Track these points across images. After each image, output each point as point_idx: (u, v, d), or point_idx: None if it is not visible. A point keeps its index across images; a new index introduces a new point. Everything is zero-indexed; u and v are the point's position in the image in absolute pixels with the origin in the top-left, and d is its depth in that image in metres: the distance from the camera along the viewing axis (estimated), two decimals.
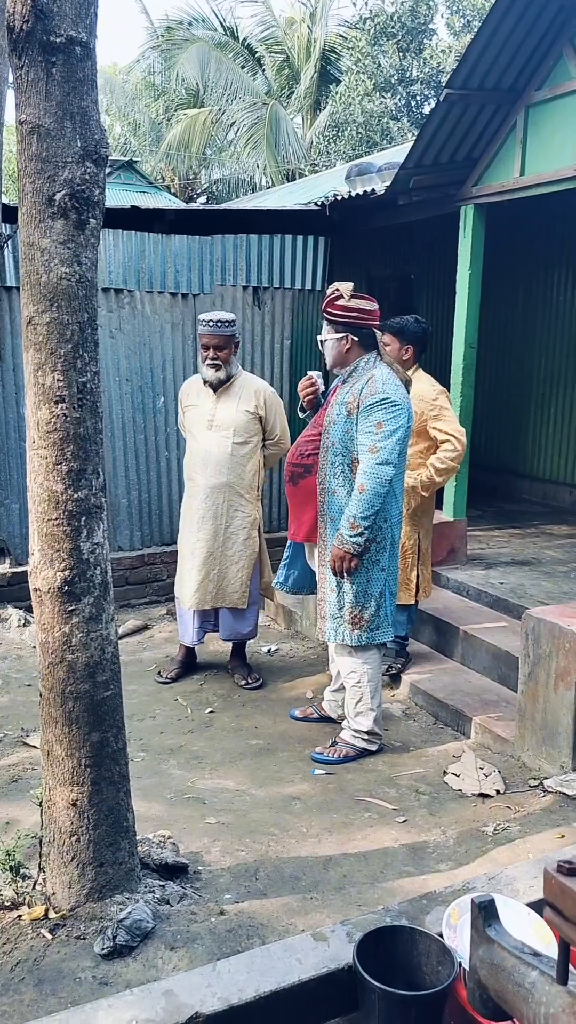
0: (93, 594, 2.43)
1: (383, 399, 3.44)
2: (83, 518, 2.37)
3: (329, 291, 3.63)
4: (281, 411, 4.54)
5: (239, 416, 4.36)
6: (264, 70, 20.40)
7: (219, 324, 4.26)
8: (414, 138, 12.29)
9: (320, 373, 3.90)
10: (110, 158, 2.42)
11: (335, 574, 3.56)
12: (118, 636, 2.62)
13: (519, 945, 1.16)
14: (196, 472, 4.36)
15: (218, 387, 4.35)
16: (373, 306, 3.59)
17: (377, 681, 3.76)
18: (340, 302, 3.56)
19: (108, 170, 2.49)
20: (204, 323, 4.27)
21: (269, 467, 4.62)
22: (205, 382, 4.37)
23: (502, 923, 1.21)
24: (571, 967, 1.14)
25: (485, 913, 1.19)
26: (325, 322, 3.66)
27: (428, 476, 4.26)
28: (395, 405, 3.44)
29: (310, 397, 3.83)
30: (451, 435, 4.23)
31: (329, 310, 3.60)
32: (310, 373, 3.87)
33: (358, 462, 3.50)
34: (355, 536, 3.46)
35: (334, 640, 3.68)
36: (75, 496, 2.35)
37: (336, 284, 3.61)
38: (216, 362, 4.30)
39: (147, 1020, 1.99)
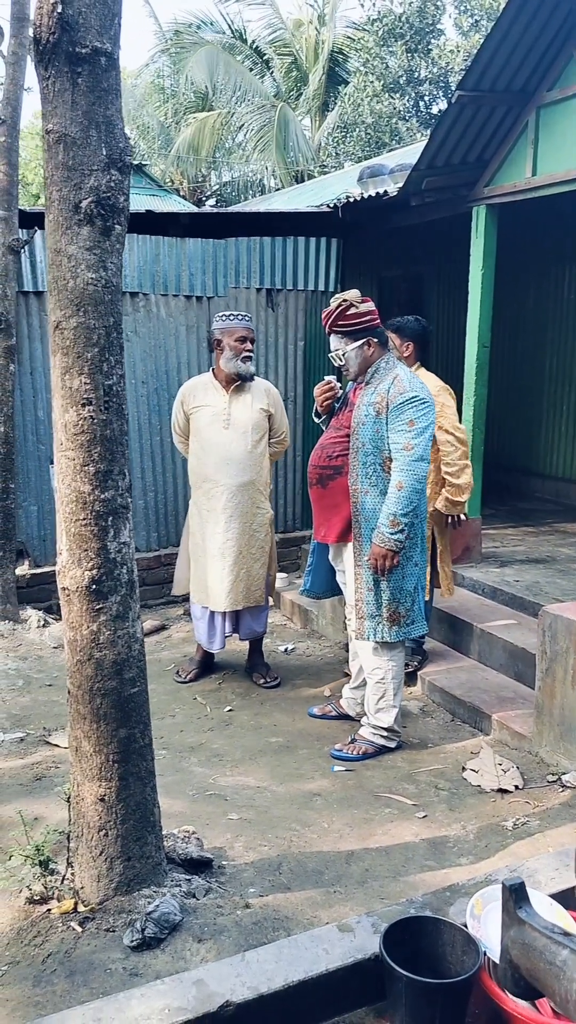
0: (120, 592, 2.47)
1: (413, 397, 3.48)
2: (110, 518, 2.42)
3: (334, 304, 3.63)
4: (284, 409, 4.66)
5: (255, 414, 4.42)
6: (272, 72, 20.45)
7: (248, 318, 4.39)
8: (424, 139, 12.27)
9: (336, 377, 3.93)
10: None
11: (375, 572, 3.59)
12: (144, 634, 2.67)
13: (549, 926, 1.20)
14: (216, 472, 4.39)
15: (232, 384, 4.40)
16: (374, 307, 3.65)
17: (400, 678, 3.80)
18: (352, 311, 3.59)
19: None
20: (234, 317, 4.34)
21: (272, 463, 4.69)
22: (230, 375, 4.38)
23: (532, 906, 1.25)
24: None
25: (516, 896, 1.22)
26: (337, 336, 3.64)
27: (449, 493, 4.29)
28: (424, 402, 3.50)
29: (328, 402, 3.86)
30: (450, 432, 4.27)
31: (342, 323, 3.60)
32: (328, 378, 3.90)
33: (390, 461, 3.55)
34: (396, 533, 3.50)
35: (374, 638, 3.69)
36: (102, 496, 2.39)
37: (340, 295, 3.62)
38: (251, 354, 4.38)
39: (179, 1008, 2.03)
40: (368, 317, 3.60)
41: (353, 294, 3.60)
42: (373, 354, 3.64)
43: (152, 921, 2.46)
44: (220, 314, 4.41)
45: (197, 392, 4.47)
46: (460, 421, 4.45)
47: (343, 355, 3.66)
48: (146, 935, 2.43)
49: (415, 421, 3.47)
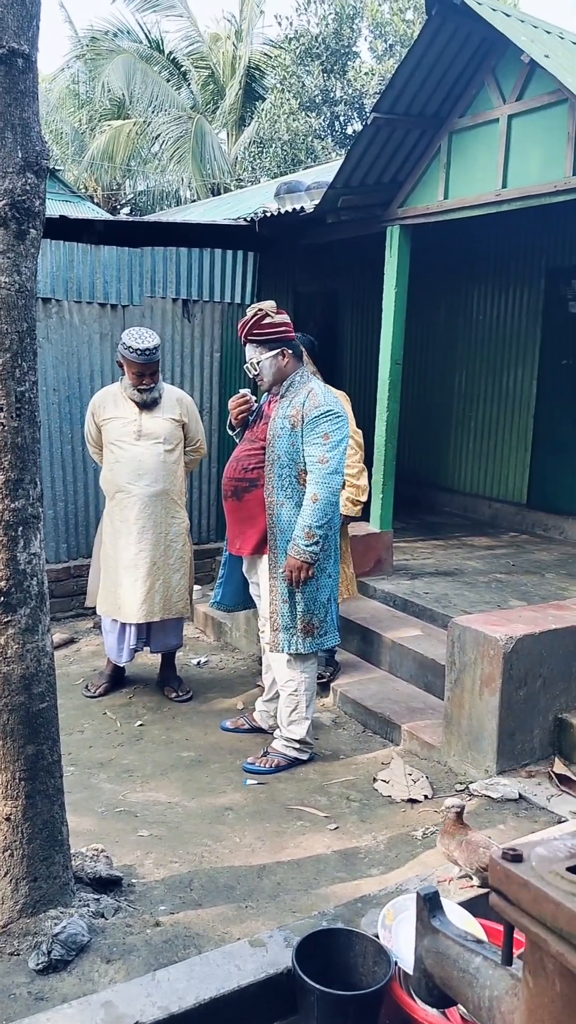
0: (29, 605, 2.41)
1: (327, 411, 3.52)
2: (20, 528, 2.35)
3: (249, 313, 3.65)
4: (199, 417, 4.63)
5: (165, 424, 4.39)
6: (190, 84, 20.44)
7: (150, 352, 4.20)
8: (339, 158, 12.45)
9: (251, 390, 3.94)
10: None
11: (290, 584, 3.60)
12: (54, 648, 2.60)
13: (463, 934, 1.22)
14: (128, 482, 4.33)
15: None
16: (289, 319, 3.70)
17: (313, 690, 3.81)
18: (267, 320, 3.61)
19: None
20: (134, 351, 4.17)
21: (188, 472, 4.66)
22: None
23: (446, 914, 1.27)
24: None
25: (430, 904, 1.24)
26: (252, 346, 3.66)
27: (350, 493, 4.38)
28: (339, 416, 3.54)
29: (243, 415, 3.84)
30: (351, 436, 4.33)
31: (256, 331, 3.62)
32: (243, 391, 3.90)
33: (305, 473, 3.57)
34: (311, 545, 3.52)
35: (288, 650, 3.69)
36: (12, 506, 2.33)
37: (256, 305, 3.65)
38: (149, 387, 4.31)
39: None
40: (283, 328, 3.63)
41: (268, 304, 3.63)
42: (287, 365, 3.66)
43: (59, 943, 2.39)
44: (124, 337, 4.22)
45: (107, 404, 4.40)
46: (366, 433, 4.54)
47: (258, 364, 3.68)
48: (52, 957, 2.36)
49: (330, 434, 3.51)
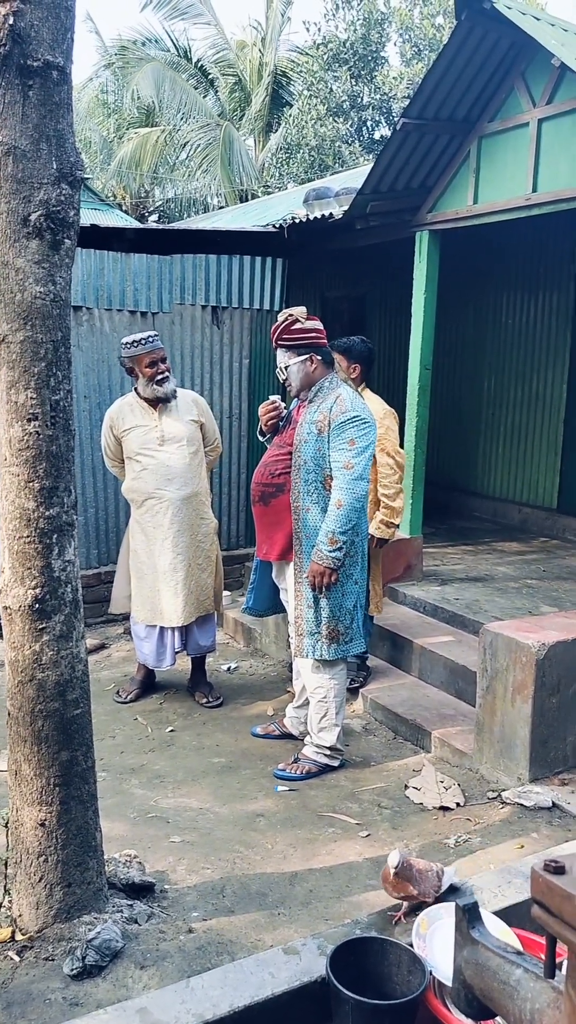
0: (64, 612, 2.43)
1: (354, 416, 3.52)
2: (55, 536, 2.38)
3: (281, 318, 3.68)
4: (213, 417, 4.69)
5: (187, 427, 4.42)
6: (217, 91, 20.56)
7: (154, 339, 4.33)
8: (367, 163, 12.44)
9: (281, 397, 3.96)
10: None
11: (314, 590, 3.60)
12: (87, 654, 2.62)
13: (503, 945, 1.21)
14: (159, 488, 4.35)
15: (159, 402, 4.38)
16: (321, 325, 3.69)
17: (342, 697, 3.80)
18: (297, 326, 3.63)
19: None
20: (139, 343, 4.27)
21: (208, 471, 4.71)
22: (151, 399, 4.36)
23: (485, 925, 1.26)
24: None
25: (469, 915, 1.23)
26: (282, 351, 3.69)
27: (384, 515, 4.37)
28: (365, 422, 3.54)
29: (273, 421, 3.87)
30: (391, 455, 4.35)
31: (286, 336, 3.65)
32: (272, 398, 3.92)
33: (331, 479, 3.57)
34: (334, 551, 3.51)
35: (313, 655, 3.69)
36: (47, 514, 2.35)
37: (288, 311, 3.67)
38: (167, 374, 4.35)
39: None
40: (313, 334, 3.63)
41: (300, 310, 3.64)
42: (316, 371, 3.67)
43: (93, 949, 2.41)
44: (124, 341, 4.33)
45: (125, 415, 4.43)
46: (401, 445, 4.52)
47: (286, 368, 3.70)
48: (87, 963, 2.37)
49: (356, 440, 3.51)
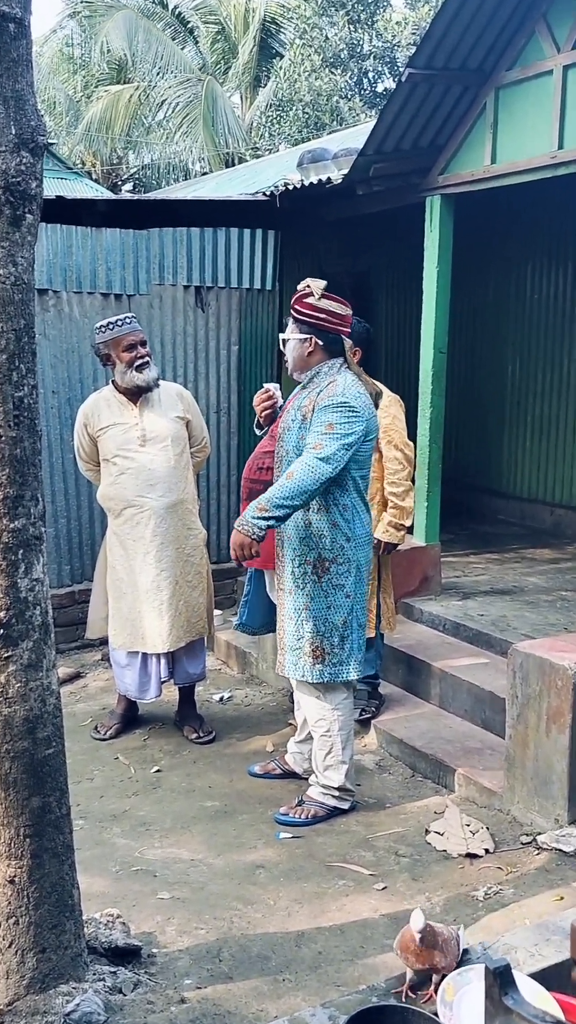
0: (32, 637, 2.43)
1: (341, 403, 3.51)
2: (20, 551, 2.37)
3: (300, 286, 3.71)
4: (200, 413, 4.71)
5: (172, 424, 4.44)
6: (198, 42, 20.68)
7: (131, 320, 4.39)
8: (369, 120, 12.44)
9: (277, 386, 3.98)
10: None
11: (235, 561, 3.60)
12: (59, 685, 2.62)
13: (540, 1013, 1.20)
14: (139, 494, 4.36)
15: (141, 394, 4.40)
16: (345, 310, 3.68)
17: (349, 729, 3.80)
18: (309, 300, 3.65)
19: None
20: (114, 325, 4.33)
21: (195, 474, 4.73)
22: (130, 390, 4.38)
23: (519, 990, 1.25)
24: None
25: (501, 980, 1.22)
26: (292, 320, 3.75)
27: (392, 516, 4.39)
28: (352, 411, 3.51)
29: (267, 412, 3.89)
30: (400, 448, 4.37)
31: (296, 307, 3.70)
32: (267, 385, 3.94)
33: None
34: (259, 518, 3.45)
35: (294, 675, 3.72)
36: (11, 526, 2.35)
37: (308, 280, 3.70)
38: (147, 360, 4.37)
39: None
40: (322, 316, 3.64)
41: (317, 284, 3.66)
42: (311, 356, 3.69)
43: (72, 1023, 2.40)
44: (98, 325, 4.42)
45: (101, 411, 4.44)
46: (411, 438, 4.54)
47: (284, 341, 3.75)
48: None
49: (335, 425, 3.50)
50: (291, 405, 3.74)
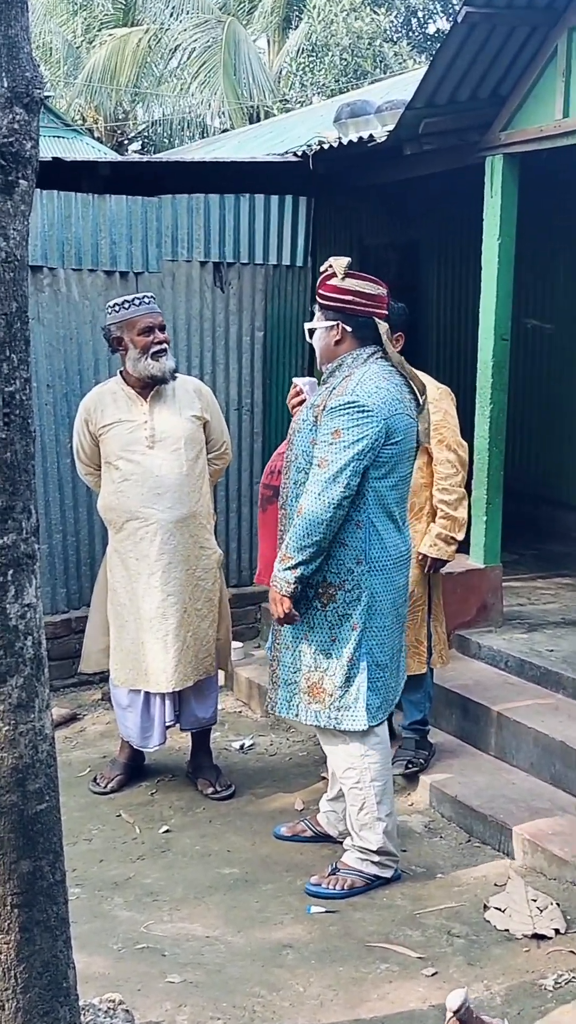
0: (22, 673, 2.44)
1: (349, 403, 3.52)
2: (10, 571, 2.39)
3: (323, 268, 3.75)
4: (221, 412, 4.76)
5: (186, 424, 4.46)
6: None
7: (150, 300, 4.47)
8: (419, 67, 12.48)
9: (310, 381, 4.01)
10: None
11: (277, 621, 3.66)
12: (53, 728, 2.64)
13: None
14: (144, 506, 4.37)
15: (150, 389, 4.43)
16: (377, 289, 3.70)
17: (385, 780, 3.79)
18: (332, 281, 3.68)
19: None
20: (129, 304, 4.39)
21: (212, 486, 4.75)
22: (142, 381, 4.41)
23: None
24: None
25: None
26: (317, 307, 3.78)
27: (443, 527, 4.41)
28: (363, 411, 3.51)
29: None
30: (453, 449, 4.40)
31: (320, 292, 3.74)
32: (296, 381, 3.98)
33: None
34: (285, 570, 3.54)
35: (287, 713, 3.76)
36: (0, 542, 2.37)
37: (330, 259, 3.72)
38: (165, 347, 4.42)
39: None
40: (347, 298, 3.66)
41: (340, 263, 3.68)
42: (340, 344, 3.72)
43: None
44: (111, 303, 4.47)
45: (106, 405, 4.47)
46: (462, 433, 4.56)
47: (311, 332, 3.80)
48: None
49: (342, 432, 3.50)
50: (306, 403, 3.78)
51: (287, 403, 4.00)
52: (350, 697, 3.65)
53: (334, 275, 3.68)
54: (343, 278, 3.67)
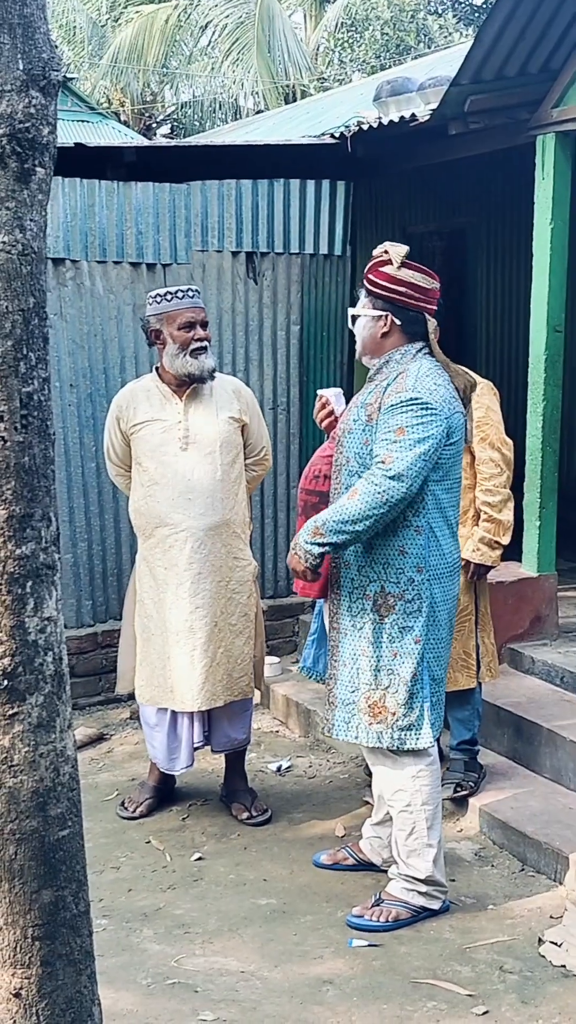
0: (43, 691, 2.45)
1: (411, 399, 3.53)
2: (28, 583, 2.40)
3: (376, 252, 3.75)
4: (261, 415, 4.77)
5: (223, 426, 4.46)
6: None
7: (196, 293, 4.49)
8: (465, 41, 12.44)
9: (337, 391, 4.04)
10: None
11: (295, 575, 3.72)
12: (77, 750, 2.64)
13: None
14: (174, 512, 4.38)
15: (187, 388, 4.44)
16: (431, 283, 3.72)
17: (436, 803, 3.78)
18: (386, 269, 3.68)
19: None
20: (171, 296, 4.41)
21: (249, 493, 4.75)
22: (180, 378, 4.43)
23: None
24: None
25: None
26: (363, 292, 3.78)
27: (487, 531, 4.42)
28: (426, 408, 3.53)
29: (329, 424, 4.00)
30: (497, 448, 4.40)
31: (370, 276, 3.73)
32: (321, 393, 4.01)
33: None
34: (312, 543, 3.56)
35: (346, 736, 3.74)
36: (17, 552, 2.38)
37: (385, 245, 3.73)
38: (206, 344, 4.44)
39: None
40: (401, 289, 3.68)
41: (398, 251, 3.69)
42: (388, 338, 3.73)
43: None
44: (153, 293, 4.50)
45: (139, 403, 4.49)
46: (511, 432, 4.54)
47: (355, 318, 3.81)
48: None
49: (406, 429, 3.52)
50: (355, 402, 3.78)
51: (314, 417, 4.02)
52: (414, 715, 3.65)
53: (389, 263, 3.68)
54: (399, 267, 3.67)
